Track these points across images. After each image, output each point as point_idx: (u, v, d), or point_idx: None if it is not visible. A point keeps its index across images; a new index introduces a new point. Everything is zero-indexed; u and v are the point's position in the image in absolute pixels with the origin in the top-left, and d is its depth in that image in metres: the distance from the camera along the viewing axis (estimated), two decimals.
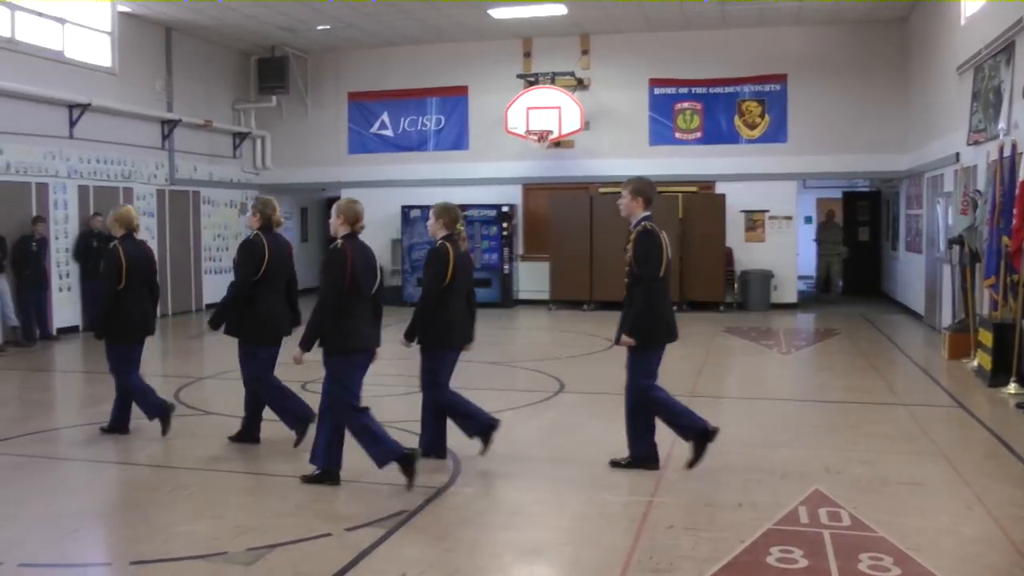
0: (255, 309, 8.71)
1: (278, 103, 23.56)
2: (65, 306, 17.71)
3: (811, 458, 8.42)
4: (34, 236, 16.49)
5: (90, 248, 17.68)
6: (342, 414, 7.56)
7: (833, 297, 22.96)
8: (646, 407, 7.93)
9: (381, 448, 7.47)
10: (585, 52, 21.90)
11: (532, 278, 22.34)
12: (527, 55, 22.24)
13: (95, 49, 18.87)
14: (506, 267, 21.87)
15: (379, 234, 23.03)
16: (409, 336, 8.17)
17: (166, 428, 9.34)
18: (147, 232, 19.73)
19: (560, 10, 19.50)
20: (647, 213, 7.94)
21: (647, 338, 7.80)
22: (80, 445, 9.36)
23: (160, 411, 9.39)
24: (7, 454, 8.95)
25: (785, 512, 6.83)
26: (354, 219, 7.61)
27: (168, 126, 20.67)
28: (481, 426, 8.30)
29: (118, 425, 9.50)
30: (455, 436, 8.61)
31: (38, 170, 17.24)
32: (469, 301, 8.46)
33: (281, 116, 23.94)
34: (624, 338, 7.79)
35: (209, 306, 21.50)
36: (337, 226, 7.61)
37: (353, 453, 8.41)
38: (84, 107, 17.93)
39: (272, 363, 8.93)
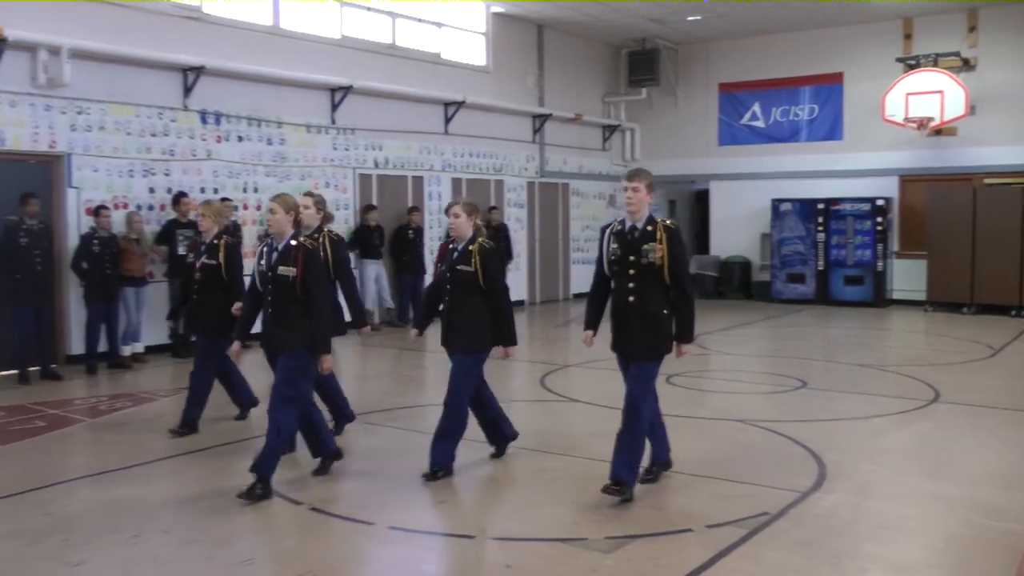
0: None
1: (648, 95, 23.33)
2: None
3: None
4: (410, 225, 17.32)
5: None
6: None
7: None
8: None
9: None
10: (972, 29, 20.01)
11: (907, 277, 20.64)
12: (907, 37, 20.65)
13: (470, 49, 19.45)
14: (879, 264, 20.48)
15: (748, 228, 22.41)
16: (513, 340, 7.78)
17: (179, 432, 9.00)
18: (517, 223, 20.33)
19: None
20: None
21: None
22: None
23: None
24: (381, 425, 9.36)
25: None
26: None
27: (539, 120, 20.96)
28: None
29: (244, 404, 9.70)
30: (820, 440, 8.00)
31: (415, 164, 18.05)
32: None
33: (651, 108, 23.68)
34: (686, 347, 7.02)
35: (577, 296, 21.66)
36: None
37: (716, 449, 8.02)
38: (459, 104, 18.52)
39: None
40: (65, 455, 8.34)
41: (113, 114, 13.32)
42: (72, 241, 12.69)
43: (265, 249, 7.24)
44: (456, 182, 18.96)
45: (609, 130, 23.38)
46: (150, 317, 13.43)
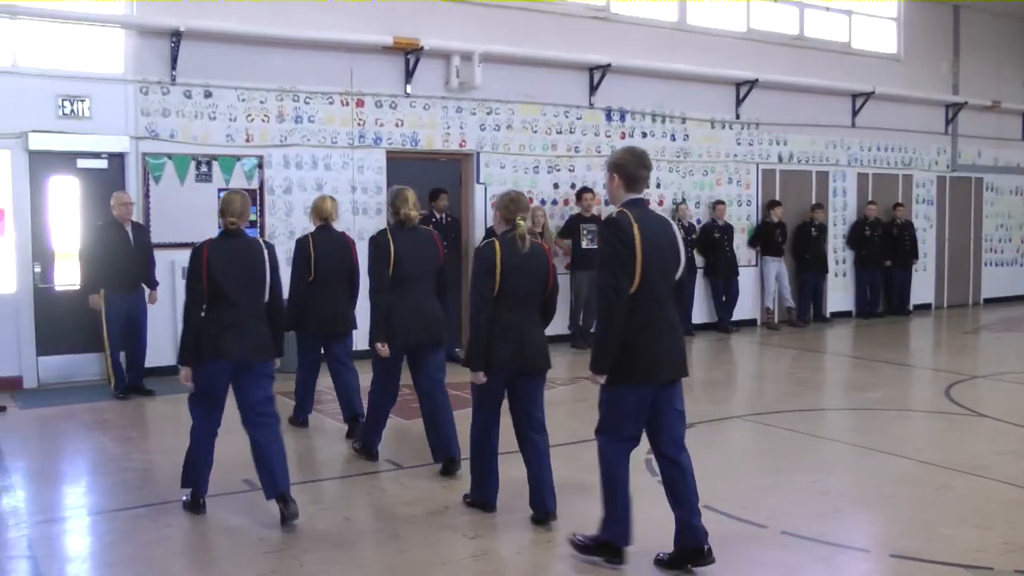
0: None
1: None
2: (839, 291, 16.77)
3: None
4: (812, 222, 15.87)
5: (863, 236, 16.68)
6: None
7: None
8: None
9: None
10: None
11: None
12: None
13: (880, 37, 17.45)
14: None
15: None
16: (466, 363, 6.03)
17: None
18: (925, 220, 18.03)
19: None
20: (632, 196, 5.07)
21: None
22: (845, 428, 8.91)
23: (299, 421, 8.57)
24: (775, 427, 8.67)
25: None
26: (231, 213, 6.03)
27: (952, 109, 18.42)
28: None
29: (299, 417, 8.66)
30: None
31: (819, 159, 16.49)
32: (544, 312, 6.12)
33: None
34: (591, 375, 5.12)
35: (988, 300, 19.05)
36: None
37: None
38: (867, 95, 16.61)
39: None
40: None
41: (520, 113, 13.16)
42: (479, 234, 12.53)
43: None
44: (862, 177, 17.07)
45: None
46: None
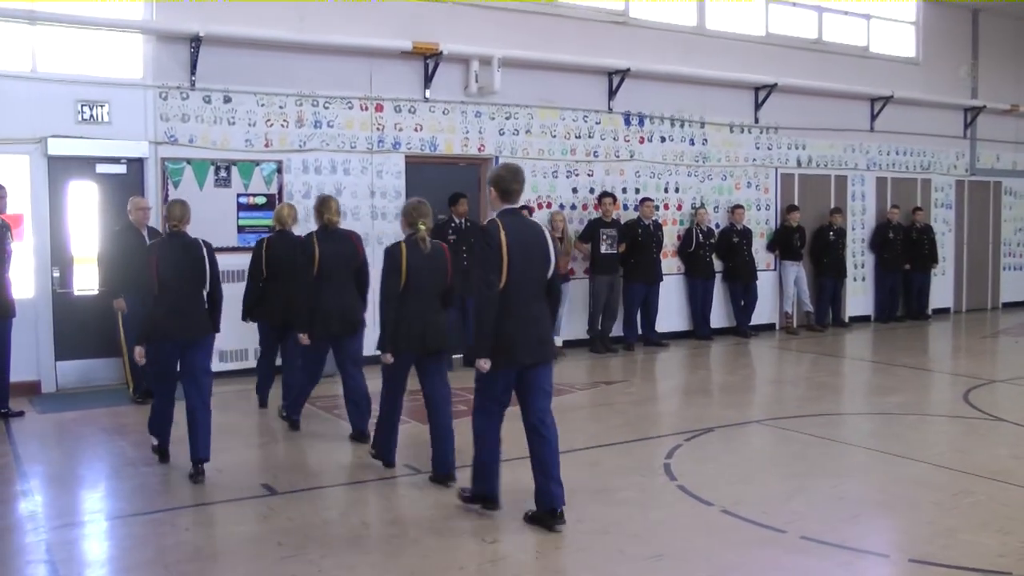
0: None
1: None
2: (858, 295, 16.58)
3: None
4: (831, 226, 15.67)
5: (887, 239, 16.45)
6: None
7: None
8: None
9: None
10: None
11: None
12: None
13: (898, 41, 17.24)
14: None
15: None
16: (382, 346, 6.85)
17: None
18: (944, 224, 17.81)
19: None
20: (506, 206, 5.90)
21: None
22: (865, 432, 8.76)
23: (261, 398, 9.46)
24: (795, 431, 8.58)
25: None
26: (173, 218, 7.12)
27: (971, 113, 18.18)
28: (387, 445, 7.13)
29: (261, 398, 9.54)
30: None
31: (838, 163, 16.28)
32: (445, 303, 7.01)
33: None
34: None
35: (1007, 305, 18.80)
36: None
37: None
38: (886, 99, 16.41)
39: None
40: None
41: (539, 118, 13.02)
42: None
43: None
44: (881, 181, 16.84)
45: None
46: (571, 312, 13.08)
